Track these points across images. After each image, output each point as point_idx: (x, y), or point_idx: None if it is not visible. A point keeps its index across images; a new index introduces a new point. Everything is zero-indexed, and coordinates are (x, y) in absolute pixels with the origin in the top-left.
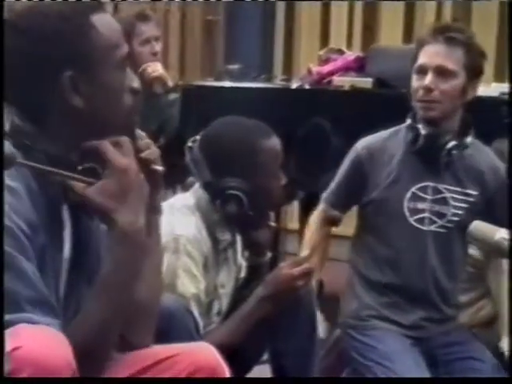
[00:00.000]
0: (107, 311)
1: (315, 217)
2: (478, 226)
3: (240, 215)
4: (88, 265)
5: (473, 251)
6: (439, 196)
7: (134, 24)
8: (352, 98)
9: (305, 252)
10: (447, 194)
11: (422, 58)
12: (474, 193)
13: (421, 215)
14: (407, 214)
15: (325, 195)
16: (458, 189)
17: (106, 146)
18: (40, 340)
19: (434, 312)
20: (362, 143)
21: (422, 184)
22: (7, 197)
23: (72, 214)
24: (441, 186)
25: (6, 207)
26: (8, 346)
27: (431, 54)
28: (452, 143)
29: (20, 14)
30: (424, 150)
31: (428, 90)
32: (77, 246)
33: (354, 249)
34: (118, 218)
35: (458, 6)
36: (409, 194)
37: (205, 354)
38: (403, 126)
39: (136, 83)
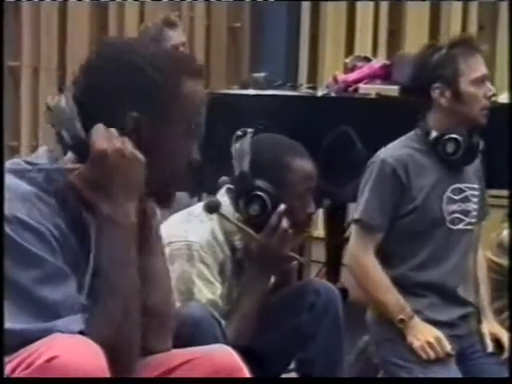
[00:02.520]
0: (114, 305)
1: (368, 258)
2: (509, 236)
3: (260, 221)
4: None
5: (503, 260)
6: (463, 195)
7: (161, 30)
8: (378, 105)
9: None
10: (468, 192)
11: (481, 68)
12: (477, 186)
13: (452, 216)
14: (446, 216)
15: (366, 221)
16: (471, 185)
17: (97, 129)
18: (76, 350)
19: (464, 307)
20: (390, 156)
21: (453, 186)
22: (37, 202)
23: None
24: (462, 186)
25: (37, 212)
26: (44, 356)
27: (482, 63)
28: (482, 146)
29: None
30: (464, 158)
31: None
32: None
33: (383, 261)
34: (99, 205)
35: (484, 11)
36: (445, 198)
37: (224, 357)
38: (412, 135)
39: (196, 155)
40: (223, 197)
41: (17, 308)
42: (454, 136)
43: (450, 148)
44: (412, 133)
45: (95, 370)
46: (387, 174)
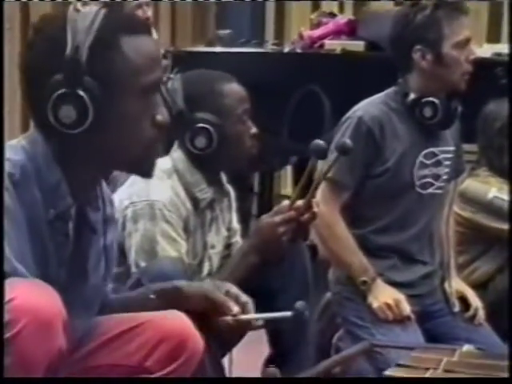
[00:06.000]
0: None
1: (334, 216)
2: (470, 186)
3: (209, 155)
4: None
5: (464, 212)
6: (435, 159)
7: None
8: (344, 61)
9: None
10: (440, 156)
11: (465, 31)
12: (452, 148)
13: (423, 180)
14: (416, 181)
15: (335, 179)
16: (445, 148)
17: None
18: (33, 290)
19: (426, 266)
20: (367, 114)
21: (426, 151)
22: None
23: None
24: (436, 149)
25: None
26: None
27: (466, 26)
28: (459, 110)
29: (48, 22)
30: (441, 122)
31: (473, 62)
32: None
33: (348, 221)
34: None
35: None
36: (417, 163)
37: (174, 322)
38: (391, 92)
39: (161, 116)
40: (176, 152)
41: None
42: (432, 99)
43: (427, 112)
44: (391, 90)
45: (52, 309)
46: (362, 133)
